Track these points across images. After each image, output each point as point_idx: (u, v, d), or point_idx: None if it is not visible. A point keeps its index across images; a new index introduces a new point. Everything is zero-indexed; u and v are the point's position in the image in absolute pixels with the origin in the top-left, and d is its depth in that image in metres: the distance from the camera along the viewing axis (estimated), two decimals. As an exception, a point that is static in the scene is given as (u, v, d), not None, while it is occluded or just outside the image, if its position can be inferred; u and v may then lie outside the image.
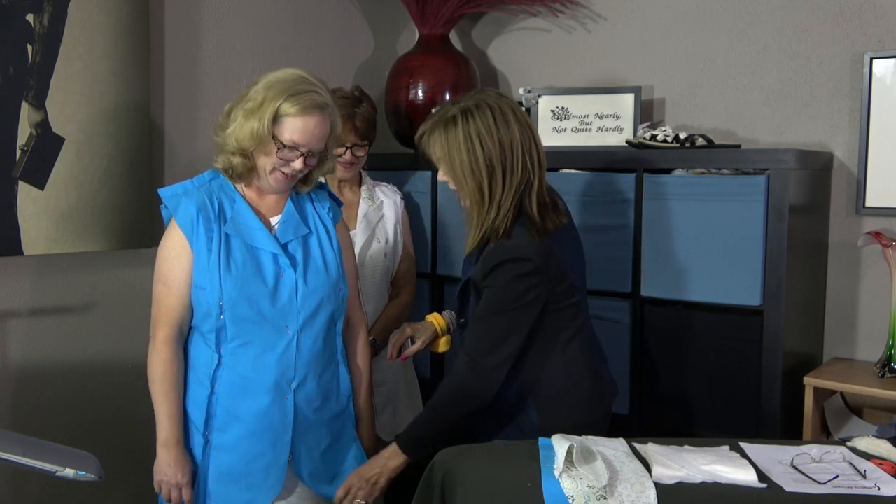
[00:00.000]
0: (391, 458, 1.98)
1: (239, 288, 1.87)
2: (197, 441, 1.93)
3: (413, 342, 2.20)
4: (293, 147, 1.86)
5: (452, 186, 1.98)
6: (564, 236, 2.01)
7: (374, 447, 2.12)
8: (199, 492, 1.94)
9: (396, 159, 3.06)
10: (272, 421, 1.91)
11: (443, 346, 2.25)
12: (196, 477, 1.94)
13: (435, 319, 2.24)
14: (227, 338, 1.90)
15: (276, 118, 1.84)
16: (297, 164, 1.88)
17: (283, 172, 1.89)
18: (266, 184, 1.93)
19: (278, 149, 1.85)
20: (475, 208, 1.94)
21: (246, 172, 1.92)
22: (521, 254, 1.88)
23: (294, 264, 1.93)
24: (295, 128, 1.84)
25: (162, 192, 1.95)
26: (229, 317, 1.87)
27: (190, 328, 1.95)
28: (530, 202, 1.93)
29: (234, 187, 1.95)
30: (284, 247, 1.93)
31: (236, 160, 1.89)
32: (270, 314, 1.89)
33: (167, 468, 1.90)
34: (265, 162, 1.88)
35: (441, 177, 1.99)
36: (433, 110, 2.01)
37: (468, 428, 2.03)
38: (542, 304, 1.92)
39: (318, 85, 1.89)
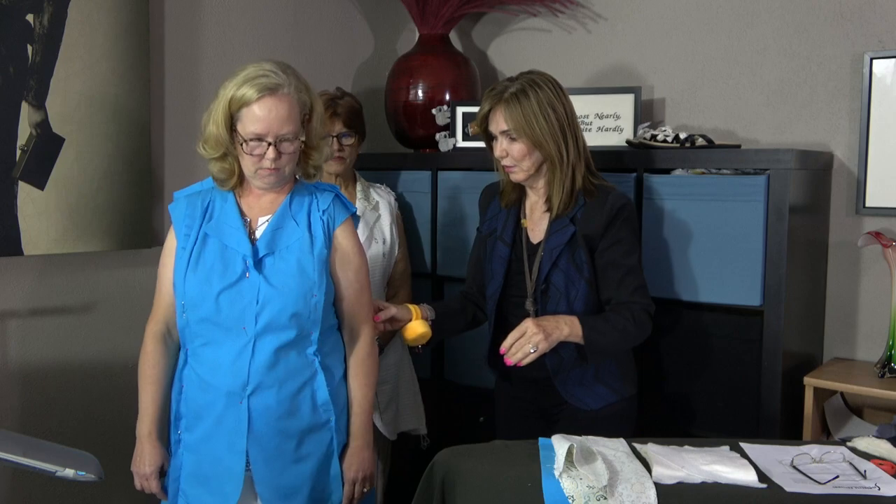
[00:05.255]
0: (568, 325, 2.00)
1: (199, 287, 1.87)
2: (173, 438, 1.96)
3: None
4: (257, 139, 1.83)
5: (510, 161, 2.11)
6: None
7: (355, 473, 1.97)
8: (176, 490, 1.95)
9: (396, 159, 3.06)
10: (228, 425, 1.87)
11: (415, 330, 2.16)
12: (169, 472, 1.97)
13: (412, 307, 2.23)
14: (191, 337, 1.91)
15: (233, 117, 1.84)
16: (270, 153, 1.83)
17: (265, 168, 1.86)
18: (258, 184, 1.91)
19: (242, 144, 1.84)
20: (554, 173, 2.10)
21: (228, 178, 1.91)
22: (629, 199, 2.14)
23: (260, 266, 1.87)
24: (251, 119, 1.81)
25: (175, 193, 2.01)
26: (191, 316, 1.89)
27: None
28: (593, 167, 2.18)
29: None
30: (257, 248, 1.88)
31: (215, 167, 1.91)
32: (228, 315, 1.86)
33: (136, 459, 1.96)
34: (246, 163, 1.88)
35: (500, 150, 2.12)
36: (490, 89, 2.14)
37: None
38: None
39: (269, 70, 1.83)
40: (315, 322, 1.90)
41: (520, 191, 2.24)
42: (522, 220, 2.22)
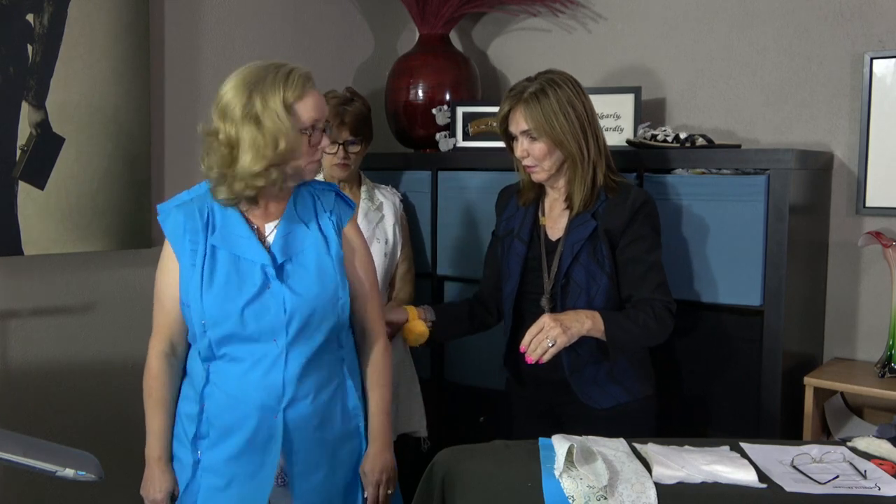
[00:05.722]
0: (590, 318, 1.97)
1: (220, 305, 1.78)
2: (189, 459, 1.87)
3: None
4: (315, 126, 1.81)
5: (532, 161, 2.11)
6: None
7: (379, 475, 1.95)
8: None
9: (396, 159, 3.06)
10: (260, 440, 1.81)
11: (413, 330, 2.23)
12: (184, 495, 1.89)
13: (409, 308, 2.29)
14: (214, 354, 1.83)
15: (288, 111, 1.76)
16: (325, 140, 1.84)
17: (315, 159, 1.84)
18: (300, 177, 1.86)
19: (309, 135, 1.79)
20: (576, 171, 2.10)
21: (278, 191, 1.82)
22: (650, 196, 2.14)
23: (282, 274, 1.81)
24: (308, 107, 1.79)
25: (159, 207, 1.89)
26: (213, 334, 1.80)
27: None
28: (613, 164, 2.18)
29: None
30: (274, 256, 1.82)
31: (275, 175, 1.77)
32: (255, 329, 1.79)
33: (146, 483, 1.90)
34: (300, 160, 1.81)
35: (521, 150, 2.12)
36: (509, 90, 2.14)
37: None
38: None
39: (289, 63, 1.81)
40: (343, 325, 1.88)
41: (538, 189, 2.23)
42: (541, 218, 2.21)
